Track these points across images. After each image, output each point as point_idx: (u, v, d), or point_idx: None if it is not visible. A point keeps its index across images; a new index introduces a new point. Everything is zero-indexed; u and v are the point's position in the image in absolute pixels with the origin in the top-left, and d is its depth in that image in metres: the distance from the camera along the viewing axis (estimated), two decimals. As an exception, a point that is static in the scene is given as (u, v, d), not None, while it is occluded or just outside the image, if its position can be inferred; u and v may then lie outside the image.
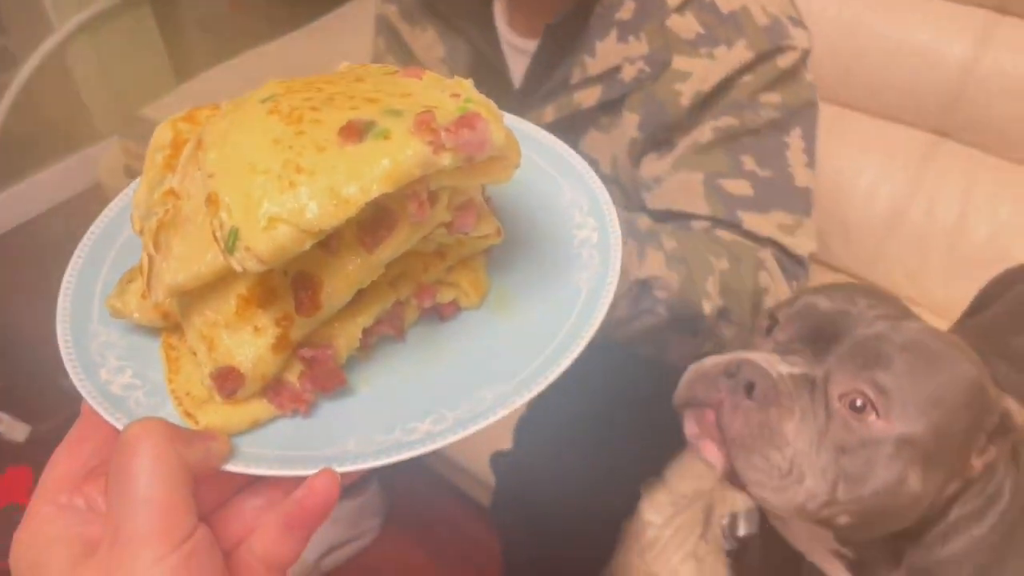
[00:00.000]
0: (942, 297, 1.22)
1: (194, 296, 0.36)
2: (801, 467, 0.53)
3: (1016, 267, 0.99)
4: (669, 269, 0.77)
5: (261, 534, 0.34)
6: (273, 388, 0.36)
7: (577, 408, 0.96)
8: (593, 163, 0.92)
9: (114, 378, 0.37)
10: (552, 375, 0.36)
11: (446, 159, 0.34)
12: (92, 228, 0.43)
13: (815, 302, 0.58)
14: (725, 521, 0.98)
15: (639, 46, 0.86)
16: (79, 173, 2.06)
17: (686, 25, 0.85)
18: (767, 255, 0.85)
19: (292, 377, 0.37)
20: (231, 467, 0.34)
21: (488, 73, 0.98)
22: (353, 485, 1.31)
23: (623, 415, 0.98)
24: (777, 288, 0.84)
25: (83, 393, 0.36)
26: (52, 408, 1.12)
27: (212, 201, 0.33)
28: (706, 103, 0.86)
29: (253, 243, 0.32)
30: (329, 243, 0.35)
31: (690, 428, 0.57)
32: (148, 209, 0.38)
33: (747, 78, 0.85)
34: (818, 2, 1.30)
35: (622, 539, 1.06)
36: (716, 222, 0.86)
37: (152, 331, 0.39)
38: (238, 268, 0.33)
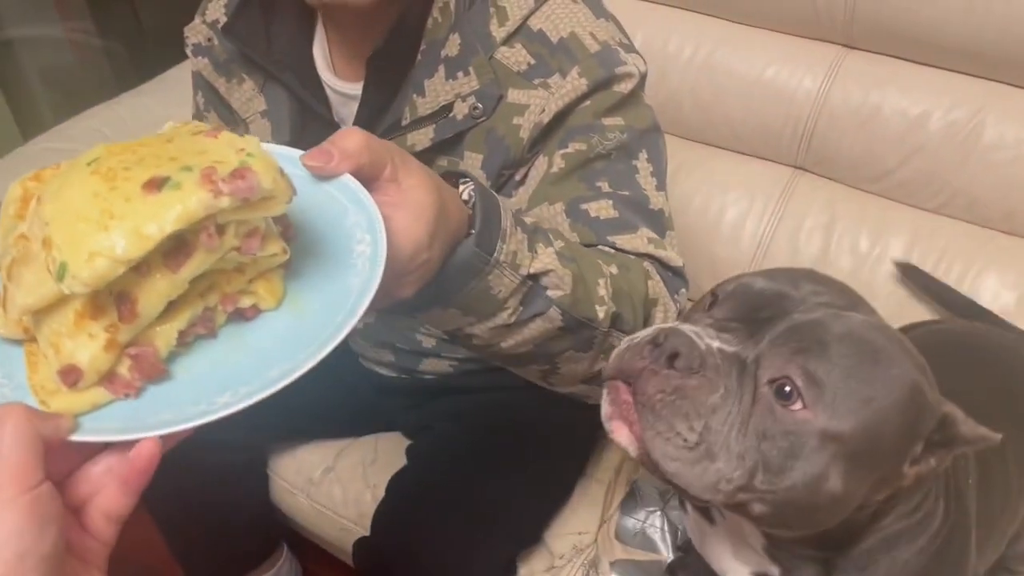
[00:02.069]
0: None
1: (42, 313, 0.48)
2: (712, 445, 0.51)
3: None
4: (562, 265, 0.70)
5: (103, 492, 0.46)
6: (108, 378, 0.48)
7: (439, 483, 0.99)
8: None
9: None
10: (322, 354, 0.49)
11: (225, 202, 0.47)
12: None
13: (751, 282, 0.57)
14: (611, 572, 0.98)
15: (469, 82, 0.83)
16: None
17: (515, 57, 0.83)
18: (650, 266, 0.81)
19: (123, 370, 0.49)
20: (75, 437, 0.46)
21: (316, 123, 0.93)
22: (260, 554, 1.36)
23: (495, 484, 0.99)
24: (664, 300, 0.80)
25: None
26: None
27: (46, 243, 0.45)
28: (546, 134, 0.84)
29: (78, 272, 0.44)
30: (141, 268, 0.47)
31: (604, 408, 0.55)
32: (4, 250, 0.50)
33: (587, 104, 0.83)
34: (674, 44, 1.33)
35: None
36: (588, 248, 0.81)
37: (17, 342, 0.51)
38: (67, 291, 0.45)
